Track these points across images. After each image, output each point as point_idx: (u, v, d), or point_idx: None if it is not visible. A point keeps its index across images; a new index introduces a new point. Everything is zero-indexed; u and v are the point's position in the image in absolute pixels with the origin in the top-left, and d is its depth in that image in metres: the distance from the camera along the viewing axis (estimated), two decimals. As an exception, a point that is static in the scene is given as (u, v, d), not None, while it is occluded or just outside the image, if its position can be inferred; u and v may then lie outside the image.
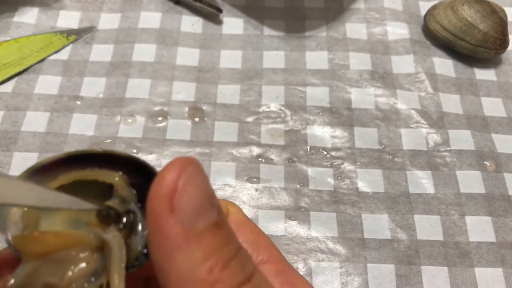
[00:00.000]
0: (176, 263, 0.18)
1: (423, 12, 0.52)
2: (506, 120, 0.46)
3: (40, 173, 0.22)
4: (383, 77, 0.48)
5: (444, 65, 0.49)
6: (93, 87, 0.46)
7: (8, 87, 0.46)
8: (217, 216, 0.19)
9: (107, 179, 0.22)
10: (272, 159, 0.43)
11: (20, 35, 0.49)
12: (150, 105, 0.45)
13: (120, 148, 0.43)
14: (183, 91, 0.46)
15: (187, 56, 0.49)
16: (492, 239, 0.39)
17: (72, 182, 0.22)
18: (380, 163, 0.43)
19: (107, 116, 0.44)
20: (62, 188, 0.22)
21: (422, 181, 0.42)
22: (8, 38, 0.48)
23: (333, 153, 0.43)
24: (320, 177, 0.42)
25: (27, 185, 0.19)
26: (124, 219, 0.22)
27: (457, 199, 0.41)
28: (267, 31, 0.51)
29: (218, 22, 0.51)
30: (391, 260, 0.38)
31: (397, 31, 0.51)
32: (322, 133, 0.44)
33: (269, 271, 0.23)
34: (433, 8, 0.50)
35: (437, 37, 0.49)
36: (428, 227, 0.40)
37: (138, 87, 0.46)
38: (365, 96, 0.47)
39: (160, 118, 0.45)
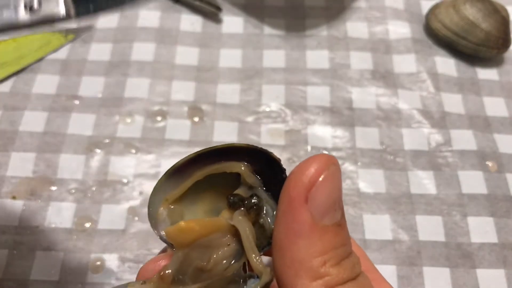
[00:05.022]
0: (296, 247, 0.19)
1: (424, 11, 0.52)
2: (508, 120, 0.46)
3: (177, 173, 0.24)
4: (385, 77, 0.47)
5: (446, 64, 0.49)
6: (92, 86, 0.46)
7: (5, 86, 0.45)
8: (341, 217, 0.20)
9: (234, 169, 0.24)
10: (272, 159, 0.43)
11: (18, 34, 0.48)
12: (149, 105, 0.45)
13: (118, 148, 0.42)
14: (183, 91, 0.46)
15: (186, 55, 0.48)
16: (494, 240, 0.39)
17: (205, 177, 0.25)
18: (381, 163, 0.42)
19: (106, 115, 0.44)
20: (197, 184, 0.25)
21: (423, 182, 0.42)
22: (5, 38, 0.48)
23: (334, 153, 0.43)
24: (321, 177, 0.42)
25: None
26: (248, 203, 0.24)
27: (459, 200, 0.41)
28: (267, 30, 0.50)
29: (218, 21, 0.51)
30: (392, 261, 0.38)
31: (399, 30, 0.50)
32: (323, 133, 0.44)
33: None
34: (435, 7, 0.50)
35: (438, 36, 0.49)
36: (430, 228, 0.39)
37: (137, 87, 0.46)
38: (366, 96, 0.46)
39: (159, 118, 0.44)
